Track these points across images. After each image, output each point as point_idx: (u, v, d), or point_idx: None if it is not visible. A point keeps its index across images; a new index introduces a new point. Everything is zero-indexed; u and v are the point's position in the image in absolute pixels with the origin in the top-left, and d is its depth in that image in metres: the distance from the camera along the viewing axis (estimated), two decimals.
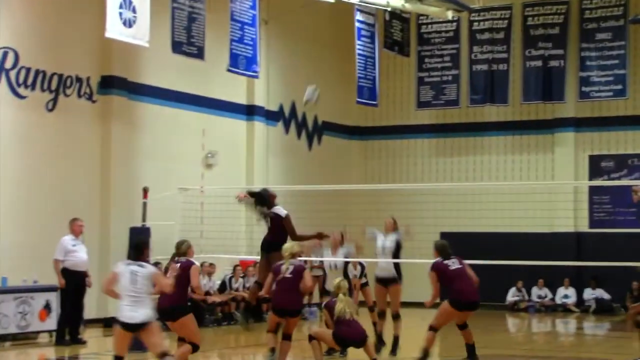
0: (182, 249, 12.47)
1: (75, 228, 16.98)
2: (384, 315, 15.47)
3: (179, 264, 12.26)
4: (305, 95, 16.32)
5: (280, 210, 13.96)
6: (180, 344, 12.26)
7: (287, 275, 13.04)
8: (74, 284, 16.72)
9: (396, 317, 15.16)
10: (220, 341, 18.27)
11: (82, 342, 16.80)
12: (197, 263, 12.49)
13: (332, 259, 15.59)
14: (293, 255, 13.22)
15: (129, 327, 10.93)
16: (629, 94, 25.27)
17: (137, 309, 10.86)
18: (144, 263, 11.13)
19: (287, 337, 13.21)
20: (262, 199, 14.17)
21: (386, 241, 15.22)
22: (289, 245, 13.42)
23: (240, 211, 21.92)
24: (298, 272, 13.04)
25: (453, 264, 13.62)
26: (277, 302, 13.17)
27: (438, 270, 13.57)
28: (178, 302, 12.05)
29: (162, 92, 21.88)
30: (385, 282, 15.24)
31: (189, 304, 12.41)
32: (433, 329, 13.61)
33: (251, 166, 24.28)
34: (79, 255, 16.80)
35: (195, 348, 12.24)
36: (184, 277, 12.12)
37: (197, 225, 18.50)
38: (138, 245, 11.46)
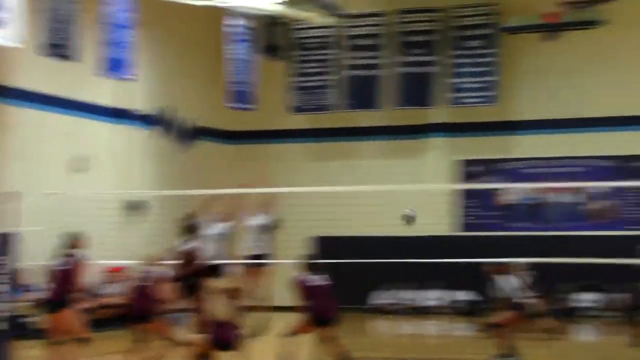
0: (72, 241, 12.52)
1: None
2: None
3: (67, 258, 12.29)
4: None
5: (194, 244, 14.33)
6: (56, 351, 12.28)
7: (143, 282, 13.16)
8: None
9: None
10: (90, 347, 18.02)
11: None
12: (86, 258, 12.53)
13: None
14: (151, 263, 13.36)
15: None
16: (499, 101, 25.86)
17: None
18: None
19: (166, 341, 13.28)
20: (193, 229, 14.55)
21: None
22: (148, 254, 13.57)
23: (111, 216, 21.83)
24: (153, 279, 13.18)
25: (315, 280, 13.62)
26: (131, 308, 13.32)
27: (299, 285, 13.66)
28: (60, 295, 12.11)
29: (32, 95, 21.49)
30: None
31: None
32: (291, 335, 13.69)
33: (125, 170, 24.01)
34: None
35: (82, 341, 12.32)
36: (70, 272, 12.18)
37: (67, 230, 18.21)
38: None
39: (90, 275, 13.42)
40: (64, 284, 12.28)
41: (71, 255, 12.44)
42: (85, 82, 22.50)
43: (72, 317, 12.29)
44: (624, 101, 25.36)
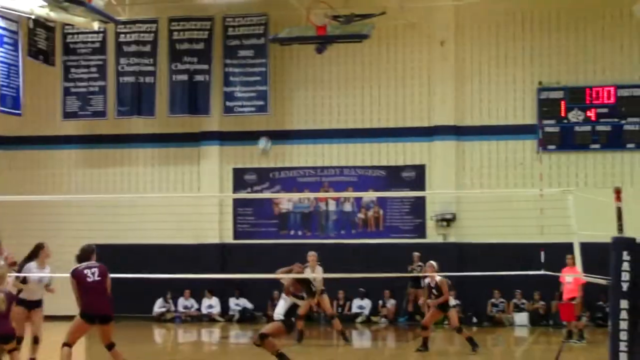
0: None
1: None
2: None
3: None
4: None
5: None
6: None
7: None
8: None
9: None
10: None
11: None
12: None
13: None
14: None
15: None
16: (270, 110, 26.25)
17: None
18: None
19: None
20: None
21: None
22: None
23: None
24: None
25: (92, 275, 13.34)
26: None
27: (74, 278, 13.37)
28: None
29: None
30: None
31: None
32: (67, 345, 13.42)
33: None
34: None
35: None
36: None
37: None
38: None
39: None
40: None
41: None
42: None
43: None
44: (391, 113, 26.31)
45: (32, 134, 27.61)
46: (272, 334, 15.01)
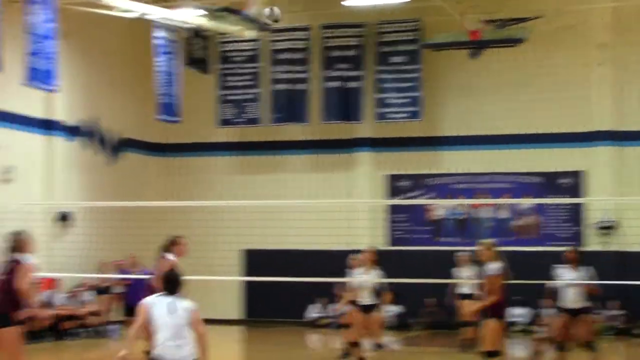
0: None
1: None
2: None
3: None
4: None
5: None
6: None
7: None
8: None
9: None
10: None
11: None
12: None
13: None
14: None
15: None
16: (423, 116, 26.06)
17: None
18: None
19: None
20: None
21: None
22: None
23: (38, 227, 21.34)
24: None
25: None
26: None
27: None
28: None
29: None
30: None
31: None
32: None
33: (50, 182, 23.55)
34: None
35: None
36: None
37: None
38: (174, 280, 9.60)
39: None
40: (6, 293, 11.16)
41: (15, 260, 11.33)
42: (11, 93, 22.05)
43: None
44: (547, 119, 25.78)
45: (188, 140, 28.15)
46: None
